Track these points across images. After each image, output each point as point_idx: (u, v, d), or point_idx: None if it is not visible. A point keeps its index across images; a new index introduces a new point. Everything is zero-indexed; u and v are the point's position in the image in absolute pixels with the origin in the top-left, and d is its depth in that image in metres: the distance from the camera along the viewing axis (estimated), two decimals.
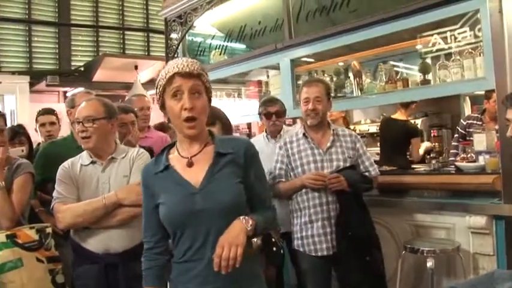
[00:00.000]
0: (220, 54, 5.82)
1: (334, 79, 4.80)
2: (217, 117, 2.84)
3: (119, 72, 9.45)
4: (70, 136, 3.31)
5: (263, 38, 5.12)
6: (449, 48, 3.59)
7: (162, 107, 1.80)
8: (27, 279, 2.48)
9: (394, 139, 5.29)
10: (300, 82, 4.97)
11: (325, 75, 5.07)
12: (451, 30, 3.54)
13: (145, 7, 12.35)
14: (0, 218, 2.58)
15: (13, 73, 9.17)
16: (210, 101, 1.83)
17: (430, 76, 3.92)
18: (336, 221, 2.98)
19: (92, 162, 2.61)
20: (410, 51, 4.37)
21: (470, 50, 3.48)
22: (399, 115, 5.36)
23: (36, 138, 4.67)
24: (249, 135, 7.07)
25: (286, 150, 3.19)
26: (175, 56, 5.72)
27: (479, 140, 3.52)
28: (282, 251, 2.86)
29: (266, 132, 3.96)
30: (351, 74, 4.80)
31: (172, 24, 5.75)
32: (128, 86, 9.50)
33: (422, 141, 6.28)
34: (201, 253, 1.73)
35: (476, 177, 3.27)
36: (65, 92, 9.75)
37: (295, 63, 4.69)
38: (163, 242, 1.87)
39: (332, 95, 3.54)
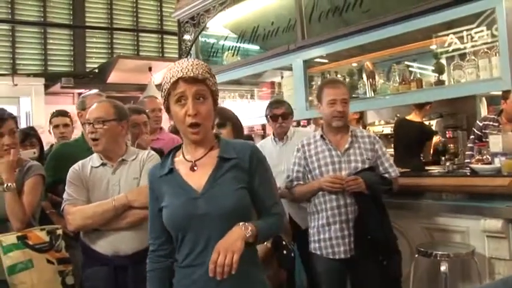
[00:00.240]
0: (233, 55, 5.80)
1: (347, 80, 4.76)
2: (228, 119, 2.83)
3: (133, 74, 9.50)
4: (81, 138, 3.31)
5: (276, 38, 5.10)
6: (465, 48, 3.54)
7: (168, 110, 1.79)
8: (38, 281, 2.49)
9: (408, 141, 5.22)
10: (313, 83, 4.97)
11: (338, 76, 5.03)
12: (467, 30, 3.49)
13: (159, 9, 12.41)
14: (11, 219, 2.59)
15: (28, 75, 9.27)
16: (216, 103, 1.81)
17: (444, 77, 3.86)
18: (354, 223, 2.94)
19: (103, 164, 2.61)
20: (424, 52, 4.31)
21: (486, 50, 3.42)
22: (413, 116, 5.30)
23: (50, 139, 4.71)
24: (264, 136, 7.06)
25: (304, 153, 3.15)
26: (189, 57, 5.72)
27: (495, 142, 3.45)
28: (292, 254, 2.84)
29: (273, 134, 3.92)
30: (364, 75, 4.76)
31: (185, 25, 5.77)
32: (142, 88, 9.54)
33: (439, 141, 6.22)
34: (202, 258, 1.71)
35: (491, 179, 3.20)
36: (79, 94, 9.80)
37: (308, 64, 4.66)
38: (167, 245, 1.85)
39: None
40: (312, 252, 3.11)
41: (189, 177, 1.78)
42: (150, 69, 9.44)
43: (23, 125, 8.23)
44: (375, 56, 4.77)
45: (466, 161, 4.73)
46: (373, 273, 2.91)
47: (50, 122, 4.39)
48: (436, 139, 5.97)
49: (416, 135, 5.24)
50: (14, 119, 2.79)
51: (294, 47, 4.61)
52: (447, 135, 6.51)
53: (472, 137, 5.02)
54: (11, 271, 2.48)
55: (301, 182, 3.15)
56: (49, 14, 10.86)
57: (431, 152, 5.52)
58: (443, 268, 2.95)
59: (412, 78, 4.03)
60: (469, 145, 5.03)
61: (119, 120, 2.60)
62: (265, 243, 2.71)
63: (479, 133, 4.81)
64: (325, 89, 3.10)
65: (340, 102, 3.02)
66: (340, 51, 4.35)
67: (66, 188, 2.58)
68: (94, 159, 2.64)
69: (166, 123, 4.58)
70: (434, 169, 4.60)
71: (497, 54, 3.30)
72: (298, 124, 6.97)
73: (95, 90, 9.10)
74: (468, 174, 3.62)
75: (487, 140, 3.78)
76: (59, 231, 2.65)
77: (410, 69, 4.31)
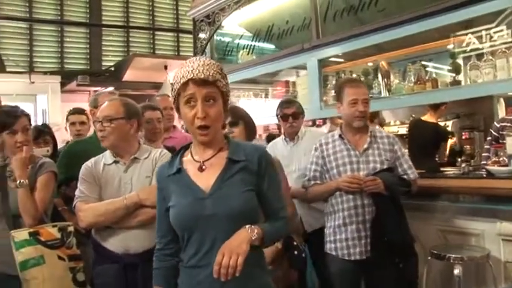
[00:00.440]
0: (248, 54, 5.79)
1: (362, 79, 4.71)
2: (241, 118, 2.82)
3: (148, 72, 9.55)
4: (94, 135, 3.32)
5: (291, 37, 5.08)
6: (483, 48, 3.48)
7: (177, 109, 1.78)
8: (49, 277, 2.52)
9: (423, 141, 5.15)
10: (328, 82, 4.94)
11: (354, 75, 4.99)
12: (486, 29, 3.42)
13: (175, 7, 12.46)
14: (24, 215, 2.61)
15: (45, 73, 9.37)
16: (226, 104, 1.80)
17: (460, 77, 3.81)
18: (371, 224, 2.90)
19: (115, 162, 2.61)
20: (440, 52, 4.26)
21: (504, 50, 3.36)
22: (429, 117, 5.23)
23: (66, 137, 4.76)
24: (279, 135, 7.03)
25: (322, 152, 3.12)
26: (203, 56, 5.72)
27: None
28: (303, 255, 2.82)
29: (284, 134, 3.90)
30: (379, 75, 4.71)
31: (200, 24, 5.77)
32: (157, 86, 9.60)
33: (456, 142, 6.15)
34: (207, 259, 1.70)
35: (508, 181, 3.16)
36: (95, 92, 9.89)
37: (322, 63, 4.63)
38: (173, 244, 1.86)
39: None
40: (327, 252, 3.08)
41: (197, 178, 1.77)
42: (165, 67, 9.48)
43: (39, 122, 8.33)
44: (390, 56, 4.74)
45: (483, 162, 4.66)
46: (389, 275, 2.87)
47: (67, 120, 4.43)
48: (451, 141, 5.91)
49: (431, 136, 5.17)
50: (27, 116, 2.82)
51: (308, 46, 4.59)
52: (463, 136, 6.41)
53: (489, 138, 4.95)
54: (23, 267, 2.51)
55: (319, 182, 3.12)
56: (66, 13, 10.97)
57: (447, 153, 5.45)
58: (456, 271, 2.91)
59: (427, 78, 3.98)
60: (485, 146, 4.96)
61: (127, 119, 2.60)
62: (276, 243, 2.71)
63: (496, 134, 4.74)
64: (345, 89, 3.05)
65: (362, 102, 2.98)
66: (355, 50, 4.31)
67: (78, 184, 2.60)
68: (107, 157, 2.64)
69: (180, 121, 4.59)
70: (450, 171, 4.54)
71: None
72: (314, 123, 6.96)
73: (110, 88, 9.25)
74: (484, 176, 3.56)
75: (504, 141, 3.72)
76: (71, 228, 2.67)
77: (426, 69, 4.26)
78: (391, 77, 4.32)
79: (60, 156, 3.41)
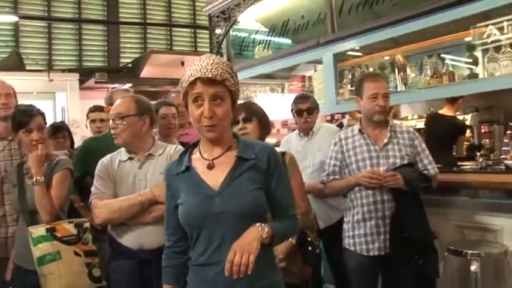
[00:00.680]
0: (264, 49, 5.77)
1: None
2: (254, 113, 2.80)
3: (165, 68, 9.60)
4: (109, 132, 3.35)
5: (306, 32, 5.05)
6: (503, 39, 3.41)
7: (186, 107, 1.78)
8: (65, 272, 2.56)
9: (440, 135, 5.10)
10: (344, 77, 4.91)
11: (370, 69, 4.95)
12: (508, 20, 3.35)
13: (191, 3, 12.52)
14: (40, 212, 2.66)
15: (63, 71, 9.48)
16: (234, 104, 1.79)
17: (477, 70, 3.75)
18: (390, 220, 2.87)
19: (130, 159, 2.62)
20: (456, 44, 4.20)
21: None
22: (446, 110, 5.18)
23: (86, 133, 4.81)
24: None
25: (341, 146, 3.09)
26: (220, 51, 5.74)
27: None
28: (318, 251, 2.81)
29: (299, 129, 3.89)
30: (395, 68, 4.66)
31: (216, 19, 5.77)
32: (174, 82, 9.61)
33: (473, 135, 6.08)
34: (216, 257, 1.71)
35: None
36: (113, 89, 10.00)
37: (338, 57, 4.60)
38: (182, 242, 1.86)
39: None
40: (345, 247, 3.07)
41: (206, 176, 1.77)
42: (182, 63, 9.51)
43: (58, 119, 8.43)
44: (406, 49, 4.68)
45: (502, 157, 4.59)
46: (407, 272, 2.86)
47: (87, 117, 4.46)
48: (468, 134, 5.84)
49: (448, 130, 5.13)
50: (43, 115, 2.86)
51: (323, 40, 4.55)
52: (482, 130, 6.32)
53: (508, 132, 4.86)
54: (40, 262, 2.56)
55: (338, 176, 3.09)
56: (84, 11, 11.10)
57: (465, 147, 5.38)
58: (473, 268, 2.87)
59: (444, 71, 3.92)
60: (505, 140, 4.87)
61: (140, 115, 2.60)
62: (290, 239, 2.71)
63: None
64: (365, 83, 3.02)
65: (382, 97, 2.94)
66: (371, 44, 4.28)
67: (94, 181, 2.62)
68: (122, 153, 2.66)
69: None
70: (467, 165, 4.48)
71: None
72: (332, 118, 6.94)
73: (127, 85, 9.32)
74: (503, 170, 3.51)
75: None
76: (87, 225, 2.71)
77: (444, 62, 4.20)
78: (408, 70, 4.27)
79: (77, 153, 3.45)
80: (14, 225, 3.02)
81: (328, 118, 7.23)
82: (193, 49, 12.50)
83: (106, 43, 11.37)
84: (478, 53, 3.76)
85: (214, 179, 1.75)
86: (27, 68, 9.36)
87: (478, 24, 3.62)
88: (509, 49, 3.38)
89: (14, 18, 9.29)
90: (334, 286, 3.80)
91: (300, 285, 2.77)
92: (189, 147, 1.88)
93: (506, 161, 3.55)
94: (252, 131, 2.76)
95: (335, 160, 3.11)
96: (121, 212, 2.49)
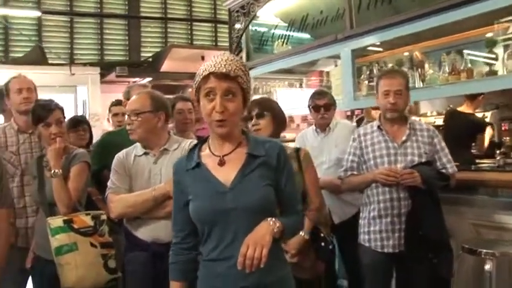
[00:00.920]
0: (282, 44, 5.77)
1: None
2: (268, 109, 2.82)
3: (186, 62, 9.64)
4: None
5: (325, 27, 5.03)
6: None
7: (198, 101, 1.80)
8: (81, 262, 2.62)
9: (458, 133, 5.03)
10: (362, 73, 4.89)
11: (389, 65, 4.92)
12: None
13: None
14: (58, 203, 2.72)
15: (85, 65, 9.60)
16: (246, 101, 1.81)
17: (497, 67, 3.70)
18: (406, 218, 2.87)
19: (145, 154, 2.67)
20: (475, 41, 4.14)
21: None
22: (465, 108, 5.12)
23: (106, 127, 4.88)
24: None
25: (360, 143, 3.10)
26: (239, 46, 5.76)
27: None
28: (330, 246, 2.82)
29: (315, 125, 3.89)
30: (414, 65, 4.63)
31: (236, 14, 5.78)
32: (194, 76, 9.67)
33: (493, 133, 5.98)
34: (228, 252, 1.73)
35: None
36: (134, 82, 10.08)
37: (356, 53, 4.58)
38: (191, 238, 1.88)
39: None
40: (360, 243, 3.08)
41: (217, 172, 1.79)
42: (202, 58, 9.52)
43: (79, 113, 8.56)
44: (426, 45, 4.64)
45: None
46: (421, 270, 2.85)
47: (109, 111, 4.52)
48: (489, 132, 5.75)
49: (466, 127, 5.06)
50: (61, 109, 2.91)
51: (342, 36, 4.54)
52: (503, 128, 6.22)
53: None
54: (57, 252, 2.63)
55: (355, 172, 3.10)
56: (105, 6, 11.23)
57: (486, 145, 5.31)
58: (487, 267, 2.83)
59: (462, 68, 3.88)
60: None
61: (155, 112, 2.63)
62: (303, 234, 2.73)
63: None
64: (381, 80, 3.03)
65: (394, 94, 2.93)
66: (390, 40, 4.25)
67: (110, 175, 2.68)
68: (138, 148, 2.70)
69: None
70: (485, 163, 4.43)
71: None
72: (352, 113, 6.92)
73: (148, 79, 9.40)
74: None
75: None
76: (103, 217, 2.76)
77: (464, 57, 4.14)
78: (426, 67, 4.23)
79: (94, 147, 3.52)
80: (34, 216, 3.09)
81: (348, 114, 7.22)
82: (214, 44, 12.54)
83: (127, 37, 11.48)
84: (498, 50, 3.71)
85: (226, 175, 1.77)
86: (50, 62, 9.50)
87: (502, 20, 3.55)
88: None
89: (37, 14, 9.44)
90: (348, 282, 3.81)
91: (313, 280, 2.81)
92: (198, 144, 1.90)
93: None
94: (265, 127, 2.78)
95: (353, 156, 3.11)
96: (136, 206, 2.54)
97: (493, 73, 3.68)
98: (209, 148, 1.85)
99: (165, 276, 2.41)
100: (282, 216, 1.81)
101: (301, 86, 6.25)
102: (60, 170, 2.74)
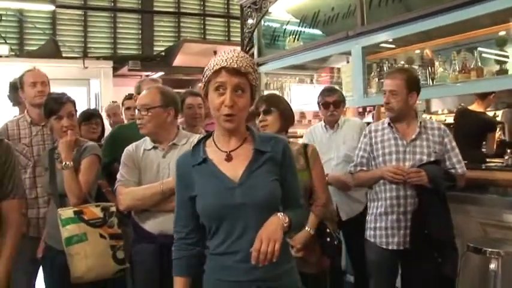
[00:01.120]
0: (294, 40, 5.79)
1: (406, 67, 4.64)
2: (275, 106, 2.83)
3: (198, 57, 9.67)
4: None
5: (336, 24, 5.04)
6: None
7: (206, 96, 1.80)
8: (90, 253, 2.67)
9: (469, 132, 5.01)
10: (372, 70, 4.89)
11: (401, 62, 4.93)
12: None
13: None
14: (69, 195, 2.77)
15: (98, 58, 9.66)
16: (253, 99, 1.82)
17: (508, 66, 3.69)
18: (412, 216, 2.89)
19: (154, 148, 2.71)
20: (487, 39, 4.13)
21: None
22: (476, 106, 5.08)
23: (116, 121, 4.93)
24: None
25: (370, 139, 3.11)
26: (251, 41, 5.78)
27: None
28: (336, 242, 2.85)
29: (324, 122, 3.91)
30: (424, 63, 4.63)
31: (248, 10, 5.80)
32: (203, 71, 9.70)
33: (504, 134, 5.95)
34: (236, 246, 1.74)
35: None
36: (146, 76, 10.13)
37: (367, 50, 4.58)
38: (194, 233, 1.88)
39: None
40: (366, 238, 3.12)
41: (224, 167, 1.80)
42: (215, 52, 9.55)
43: (92, 106, 8.64)
44: (436, 43, 4.64)
45: None
46: (426, 269, 2.87)
47: (123, 104, 4.55)
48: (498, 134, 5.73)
49: (477, 126, 5.03)
50: (73, 102, 2.96)
51: (353, 33, 4.54)
52: None
53: None
54: (68, 242, 2.68)
55: (365, 168, 3.12)
56: (119, 0, 11.27)
57: (496, 144, 5.29)
58: (492, 266, 2.82)
59: (472, 66, 3.87)
60: None
61: (164, 107, 2.67)
62: (309, 229, 2.76)
63: None
64: (384, 79, 3.07)
65: (388, 94, 2.96)
66: (400, 38, 4.25)
67: (120, 168, 2.72)
68: (147, 142, 2.75)
69: None
70: (493, 162, 4.42)
71: None
72: (364, 110, 6.93)
73: (160, 73, 9.44)
74: None
75: None
76: (113, 209, 2.80)
77: (474, 56, 4.13)
78: (436, 65, 4.22)
79: (105, 140, 3.57)
80: (45, 206, 3.14)
81: (360, 110, 7.23)
82: (227, 39, 12.56)
83: (140, 32, 11.54)
84: (510, 48, 3.70)
85: (233, 170, 1.78)
86: (63, 55, 9.57)
87: None
88: None
89: (51, 7, 9.51)
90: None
91: (318, 275, 2.83)
92: (202, 139, 1.90)
93: None
94: (272, 123, 2.80)
95: (363, 152, 3.14)
96: (144, 199, 2.59)
97: (503, 72, 3.67)
98: (215, 143, 1.85)
99: (171, 268, 2.48)
100: (286, 210, 1.83)
101: (311, 82, 6.27)
102: (71, 162, 2.79)
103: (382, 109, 5.46)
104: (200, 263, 1.87)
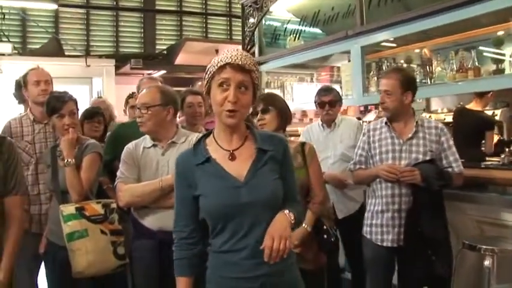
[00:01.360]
0: (294, 39, 5.82)
1: (405, 67, 4.68)
2: (272, 105, 2.87)
3: (200, 55, 9.69)
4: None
5: (336, 24, 5.07)
6: None
7: (208, 92, 1.82)
8: (91, 248, 2.72)
9: (467, 130, 5.05)
10: (371, 69, 4.92)
11: (401, 61, 4.96)
12: None
13: None
14: (70, 192, 2.82)
15: (100, 57, 9.69)
16: (255, 97, 1.83)
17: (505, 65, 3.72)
18: (406, 214, 2.93)
19: (154, 146, 2.76)
20: (485, 39, 4.15)
21: None
22: (474, 105, 5.12)
23: (120, 119, 4.97)
24: None
25: (368, 137, 3.15)
26: (252, 40, 5.82)
27: None
28: (333, 239, 2.89)
29: (321, 120, 3.95)
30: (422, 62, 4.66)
31: (249, 9, 5.83)
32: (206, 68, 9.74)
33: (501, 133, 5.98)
34: (241, 244, 1.76)
35: None
36: (149, 75, 10.17)
37: (366, 50, 4.61)
38: (196, 233, 1.87)
39: None
40: (363, 235, 3.16)
41: (229, 166, 1.80)
42: (217, 51, 9.58)
43: None
44: (437, 42, 4.66)
45: None
46: (419, 267, 2.91)
47: (127, 102, 4.56)
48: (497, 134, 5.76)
49: (475, 125, 5.07)
50: (74, 101, 3.01)
51: (352, 32, 4.57)
52: None
53: None
54: (69, 238, 2.73)
55: (363, 166, 3.17)
56: None
57: (494, 142, 5.31)
58: (486, 263, 2.84)
59: (469, 66, 3.90)
60: None
61: (164, 106, 2.72)
62: (306, 226, 2.80)
63: None
64: (380, 79, 3.12)
65: (383, 93, 3.01)
66: (400, 37, 4.28)
67: (120, 165, 2.77)
68: (147, 140, 2.79)
69: None
70: (491, 161, 4.45)
71: None
72: (366, 108, 6.96)
73: (162, 72, 9.47)
74: None
75: None
76: (114, 205, 2.85)
77: (472, 56, 4.16)
78: (434, 64, 4.26)
79: (107, 138, 3.62)
80: (47, 203, 3.19)
81: (362, 109, 7.27)
82: (228, 38, 12.60)
83: (142, 30, 11.59)
84: (506, 48, 3.73)
85: (237, 169, 1.80)
86: (66, 53, 9.61)
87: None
88: None
89: (54, 6, 9.55)
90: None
91: (315, 271, 2.87)
92: (202, 138, 1.90)
93: None
94: (270, 121, 2.84)
95: (362, 150, 3.18)
96: (143, 196, 2.63)
97: (500, 71, 3.70)
98: (216, 141, 1.85)
99: (170, 264, 2.52)
100: (284, 206, 1.85)
101: (311, 80, 6.30)
102: (73, 160, 2.84)
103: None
104: (202, 261, 1.87)
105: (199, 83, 4.41)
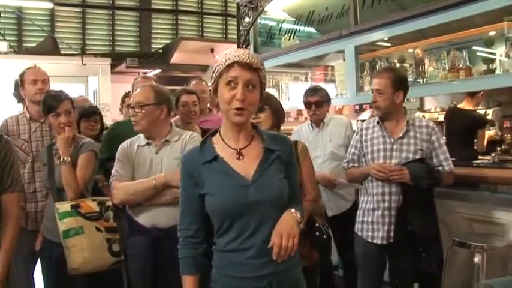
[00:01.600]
0: (289, 39, 5.86)
1: (398, 66, 4.72)
2: (267, 103, 2.89)
3: (195, 54, 9.74)
4: None
5: (330, 23, 5.12)
6: None
7: (215, 91, 1.81)
8: (87, 245, 2.76)
9: (460, 129, 5.11)
10: (365, 68, 4.96)
11: (391, 61, 5.00)
12: None
13: None
14: (66, 189, 2.85)
15: (96, 55, 9.72)
16: (261, 96, 1.83)
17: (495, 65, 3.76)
18: (396, 212, 2.97)
19: (147, 144, 2.79)
20: (477, 39, 4.19)
21: None
22: (465, 104, 5.17)
23: (115, 117, 5.00)
24: None
25: (361, 136, 3.20)
26: (247, 39, 5.85)
27: None
28: (325, 236, 2.92)
29: (310, 120, 4.00)
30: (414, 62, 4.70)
31: (244, 9, 5.86)
32: (204, 69, 9.78)
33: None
34: (248, 243, 1.77)
35: None
36: (144, 73, 10.19)
37: (360, 49, 4.65)
38: (202, 232, 1.87)
39: None
40: (355, 232, 3.21)
41: (236, 165, 1.81)
42: (212, 50, 9.65)
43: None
44: (430, 42, 4.69)
45: None
46: (410, 264, 2.96)
47: (123, 101, 4.57)
48: (493, 132, 5.80)
49: (467, 124, 5.12)
50: (70, 100, 3.04)
51: (346, 32, 4.61)
52: (504, 125, 6.26)
53: None
54: (65, 235, 2.77)
55: (356, 165, 3.22)
56: None
57: (485, 141, 5.37)
58: (476, 259, 2.91)
59: (461, 65, 3.95)
60: None
61: (158, 105, 2.75)
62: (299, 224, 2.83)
63: None
64: (373, 78, 3.16)
65: (375, 92, 3.06)
66: (393, 37, 4.32)
67: (114, 163, 2.80)
68: (141, 139, 2.82)
69: None
70: (482, 160, 4.50)
71: None
72: (361, 107, 6.99)
73: (158, 70, 9.49)
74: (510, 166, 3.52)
75: None
76: (109, 203, 2.89)
77: (463, 56, 4.20)
78: (426, 64, 4.30)
79: (103, 136, 3.64)
80: (43, 200, 3.22)
81: (357, 108, 7.31)
82: (224, 37, 12.64)
83: (138, 29, 11.62)
84: (498, 49, 3.77)
85: (245, 168, 1.81)
86: (62, 52, 9.62)
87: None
88: None
89: (49, 5, 9.56)
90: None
91: (308, 268, 2.90)
92: (208, 136, 1.91)
93: None
94: (265, 120, 2.88)
95: (354, 149, 3.23)
96: (137, 194, 2.66)
97: (491, 71, 3.75)
98: (223, 140, 1.86)
99: (164, 260, 2.57)
100: (290, 205, 1.87)
101: (306, 79, 6.33)
102: (69, 158, 2.87)
103: None
104: (207, 260, 1.87)
105: (194, 82, 4.43)
